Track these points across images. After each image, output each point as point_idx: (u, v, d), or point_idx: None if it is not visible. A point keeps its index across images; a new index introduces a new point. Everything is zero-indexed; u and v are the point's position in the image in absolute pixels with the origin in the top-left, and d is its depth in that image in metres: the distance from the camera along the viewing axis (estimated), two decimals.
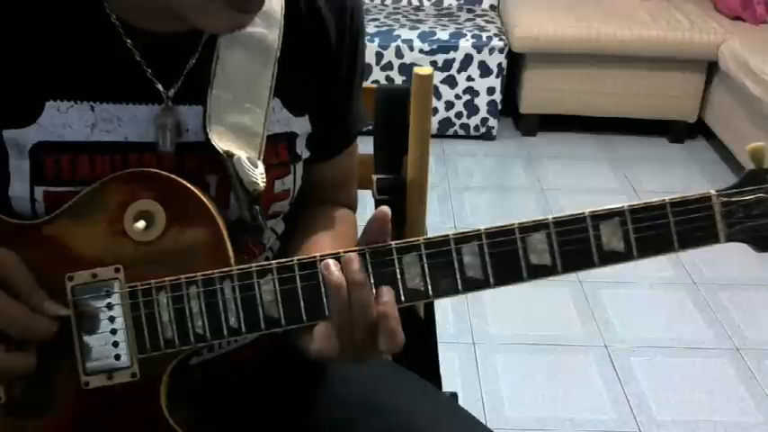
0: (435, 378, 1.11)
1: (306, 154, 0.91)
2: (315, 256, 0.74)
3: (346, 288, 0.72)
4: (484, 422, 1.00)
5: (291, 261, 0.74)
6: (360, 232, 0.77)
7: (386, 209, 0.73)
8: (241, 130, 0.82)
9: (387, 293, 0.72)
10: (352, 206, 1.04)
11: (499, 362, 2.24)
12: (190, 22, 0.74)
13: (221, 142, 0.80)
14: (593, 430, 2.00)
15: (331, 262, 0.73)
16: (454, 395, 1.11)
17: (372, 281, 0.73)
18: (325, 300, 0.74)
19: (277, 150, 0.86)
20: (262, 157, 0.82)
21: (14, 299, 0.74)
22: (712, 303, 2.52)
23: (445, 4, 3.96)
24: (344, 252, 0.73)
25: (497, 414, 2.04)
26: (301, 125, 0.89)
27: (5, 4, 0.76)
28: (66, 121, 0.78)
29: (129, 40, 0.78)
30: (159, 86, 0.80)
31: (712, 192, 0.71)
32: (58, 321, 0.75)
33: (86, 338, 0.76)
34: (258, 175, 0.80)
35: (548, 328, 2.38)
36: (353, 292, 0.72)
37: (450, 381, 2.07)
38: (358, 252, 0.73)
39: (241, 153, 0.80)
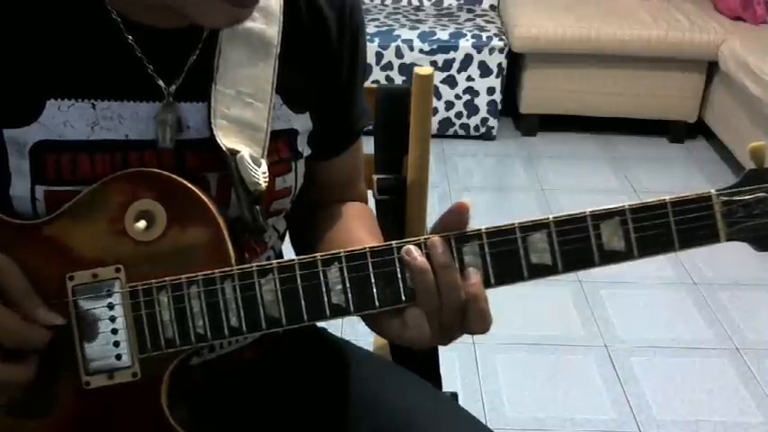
0: (435, 378, 1.11)
1: (307, 151, 0.91)
2: (315, 256, 0.74)
3: (432, 271, 0.72)
4: (484, 422, 0.99)
5: (292, 261, 0.74)
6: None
7: (467, 202, 0.73)
8: (245, 125, 0.82)
9: (474, 275, 0.72)
10: (363, 201, 1.05)
11: (499, 362, 2.24)
12: (188, 17, 0.74)
13: (225, 138, 0.80)
14: (593, 430, 2.00)
15: (412, 247, 0.72)
16: (454, 395, 1.11)
17: (375, 285, 0.73)
18: (325, 299, 0.73)
19: (278, 147, 0.86)
20: (266, 154, 0.82)
21: (8, 306, 0.73)
22: (712, 303, 2.52)
23: (445, 4, 3.96)
24: (345, 253, 0.73)
25: (497, 414, 2.04)
26: (302, 122, 0.89)
27: (5, 2, 0.76)
28: (66, 119, 0.78)
29: (130, 36, 0.78)
30: (160, 82, 0.80)
31: (712, 191, 0.71)
32: (53, 330, 0.74)
33: (87, 338, 0.75)
34: (260, 174, 0.80)
35: (548, 328, 2.38)
36: (441, 275, 0.72)
37: (451, 381, 2.07)
38: (359, 252, 0.73)
39: (245, 149, 0.80)
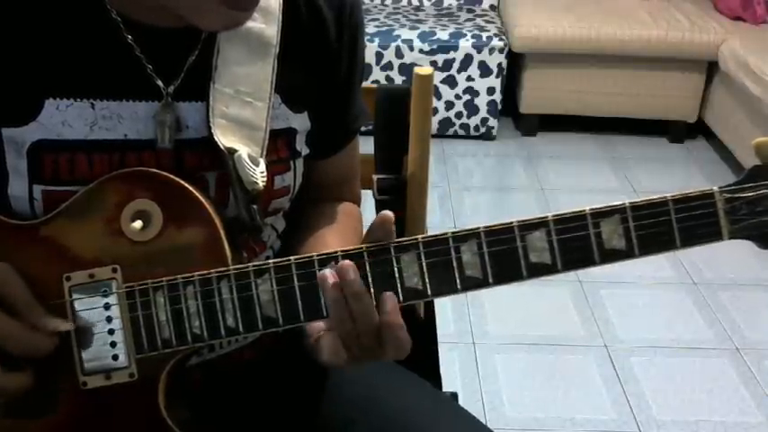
0: (435, 378, 1.11)
1: (305, 151, 0.91)
2: (312, 256, 0.73)
3: (344, 300, 0.71)
4: (484, 422, 0.99)
5: (288, 261, 0.73)
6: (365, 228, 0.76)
7: (389, 213, 0.72)
8: (243, 124, 0.81)
9: (389, 302, 0.72)
10: (357, 201, 1.04)
11: (499, 362, 2.23)
12: (186, 19, 0.74)
13: (224, 137, 0.80)
14: (593, 430, 2.00)
15: (327, 273, 0.71)
16: (454, 395, 1.11)
17: (372, 285, 0.73)
18: (322, 299, 0.73)
19: (277, 146, 0.86)
20: (264, 153, 0.82)
21: (11, 315, 0.73)
22: (712, 303, 2.52)
23: (445, 4, 3.96)
24: (342, 252, 0.73)
25: (497, 414, 2.04)
26: (300, 122, 0.89)
27: (5, 2, 0.76)
28: (65, 119, 0.77)
29: (129, 36, 0.78)
30: (159, 82, 0.79)
31: (715, 188, 0.70)
32: (58, 336, 0.74)
33: (84, 339, 0.75)
34: (258, 173, 0.80)
35: (547, 328, 2.38)
36: (352, 304, 0.71)
37: (450, 381, 2.07)
38: (356, 252, 0.73)
39: (243, 149, 0.80)
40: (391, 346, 0.72)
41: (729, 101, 3.39)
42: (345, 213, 0.98)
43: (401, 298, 0.73)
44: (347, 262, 0.71)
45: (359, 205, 1.04)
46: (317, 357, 0.76)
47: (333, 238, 0.91)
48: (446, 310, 2.40)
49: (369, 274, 0.73)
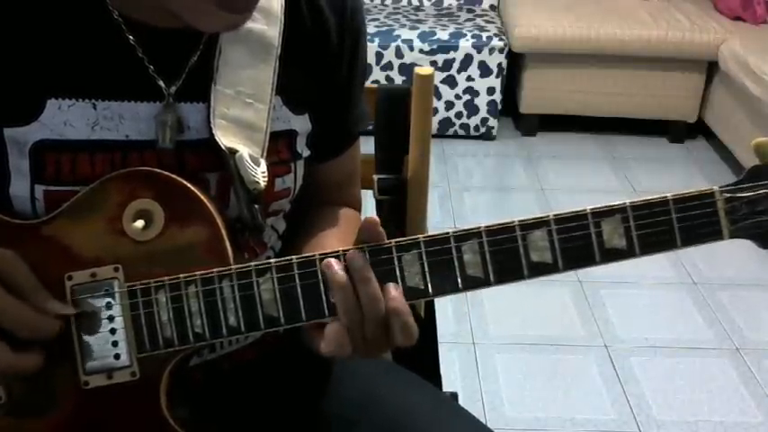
0: (435, 378, 1.11)
1: (306, 152, 0.91)
2: (314, 255, 0.73)
3: (351, 286, 0.71)
4: (484, 422, 0.99)
5: (290, 260, 0.74)
6: None
7: (374, 218, 0.72)
8: (244, 125, 0.82)
9: (394, 288, 0.72)
10: (357, 206, 1.04)
11: (499, 362, 2.23)
12: (185, 21, 0.74)
13: (225, 138, 0.80)
14: (593, 430, 2.00)
15: (333, 260, 0.72)
16: (454, 395, 1.11)
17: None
18: (324, 299, 0.73)
19: (278, 148, 0.86)
20: (265, 154, 0.82)
21: (18, 298, 0.73)
22: (712, 303, 2.52)
23: (445, 4, 3.96)
24: (344, 251, 0.73)
25: (497, 414, 2.04)
26: (302, 124, 0.89)
27: (7, 2, 0.76)
28: (67, 119, 0.78)
29: (131, 36, 0.78)
30: (161, 83, 0.80)
31: (715, 188, 0.70)
32: (62, 320, 0.75)
33: (86, 338, 0.75)
34: (259, 173, 0.80)
35: (548, 328, 2.38)
36: (360, 289, 0.71)
37: (450, 381, 2.07)
38: (358, 249, 0.73)
39: (244, 150, 0.80)
40: (399, 331, 0.72)
41: (729, 101, 3.39)
42: (345, 218, 0.98)
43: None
44: (355, 250, 0.72)
45: (359, 210, 1.04)
46: (318, 348, 0.74)
47: (333, 242, 0.91)
48: (446, 310, 2.40)
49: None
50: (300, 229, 0.95)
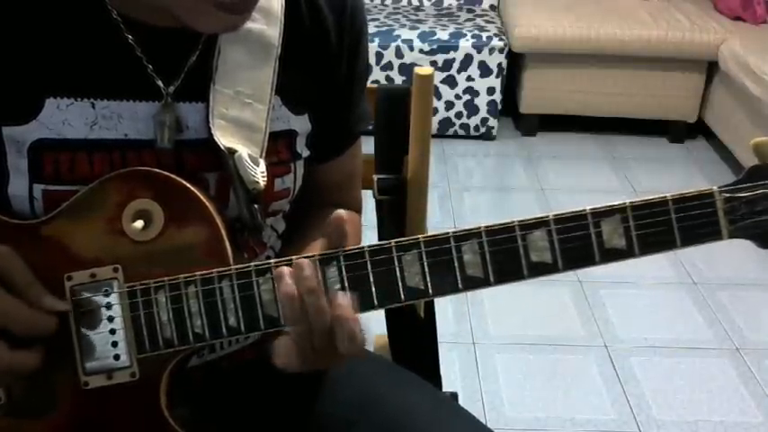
0: (435, 378, 1.11)
1: (306, 152, 0.91)
2: (314, 256, 0.73)
3: (299, 297, 0.70)
4: (484, 422, 0.99)
5: (290, 260, 0.73)
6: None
7: (341, 212, 0.72)
8: (243, 125, 0.82)
9: (342, 296, 0.71)
10: (357, 208, 1.03)
11: (499, 362, 2.23)
12: (183, 21, 0.74)
13: (224, 138, 0.80)
14: (593, 430, 2.00)
15: (285, 270, 0.71)
16: (454, 395, 1.11)
17: (373, 284, 0.72)
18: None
19: (277, 148, 0.86)
20: (264, 155, 0.82)
21: (13, 295, 0.73)
22: (712, 303, 2.52)
23: (445, 4, 3.96)
24: (343, 252, 0.73)
25: (497, 414, 2.04)
26: (301, 124, 0.89)
27: (6, 1, 0.76)
28: (66, 118, 0.78)
29: (129, 36, 0.78)
30: (159, 82, 0.79)
31: (715, 188, 0.70)
32: (58, 316, 0.75)
33: (85, 338, 0.75)
34: (259, 173, 0.80)
35: (548, 328, 2.38)
36: (306, 299, 0.70)
37: (450, 381, 2.07)
38: (357, 251, 0.73)
39: (243, 150, 0.80)
40: (343, 340, 0.70)
41: (729, 101, 3.39)
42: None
43: (403, 297, 0.73)
44: (303, 260, 0.71)
45: (360, 211, 1.04)
46: (272, 359, 0.74)
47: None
48: (446, 310, 2.40)
49: (370, 274, 0.73)
50: (300, 231, 0.95)
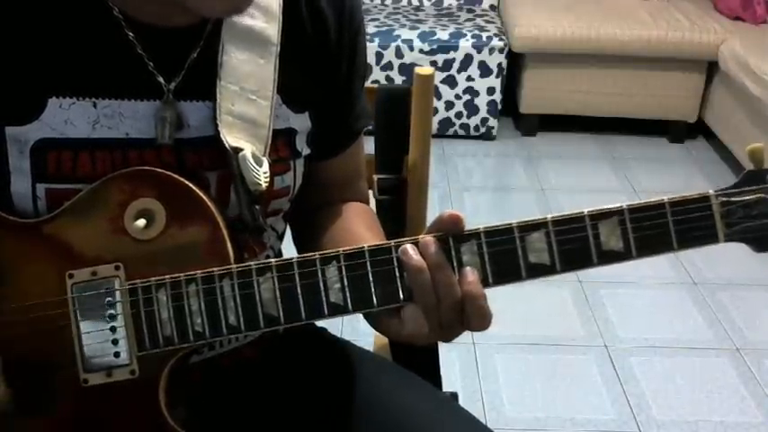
0: (435, 378, 1.11)
1: (306, 151, 0.91)
2: (314, 255, 0.74)
3: (428, 270, 0.72)
4: (484, 422, 0.99)
5: (291, 259, 0.74)
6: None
7: (458, 214, 0.73)
8: (249, 121, 0.82)
9: (471, 274, 0.72)
10: (365, 201, 1.04)
11: (499, 362, 2.24)
12: (187, 5, 0.74)
13: (229, 135, 0.80)
14: (593, 430, 2.00)
15: (409, 247, 0.72)
16: (454, 395, 1.11)
17: (373, 284, 0.73)
18: (323, 298, 0.73)
19: (277, 146, 0.86)
20: (268, 152, 0.82)
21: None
22: (712, 303, 2.52)
23: (445, 4, 3.96)
24: (343, 251, 0.73)
25: (497, 414, 2.04)
26: (301, 122, 0.89)
27: (7, 1, 0.76)
28: (68, 117, 0.78)
29: (130, 34, 0.78)
30: (161, 80, 0.80)
31: (711, 192, 0.71)
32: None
33: (86, 336, 0.76)
34: (261, 174, 0.80)
35: (548, 328, 2.38)
36: (435, 274, 0.72)
37: (450, 381, 2.07)
38: (357, 251, 0.73)
39: (248, 147, 0.80)
40: (474, 316, 0.72)
41: (729, 101, 3.39)
42: (363, 210, 0.99)
43: (402, 297, 0.73)
44: (429, 237, 0.72)
45: (368, 203, 1.05)
46: (398, 331, 0.75)
47: (363, 233, 0.92)
48: None
49: (370, 274, 0.73)
50: (312, 230, 0.95)
